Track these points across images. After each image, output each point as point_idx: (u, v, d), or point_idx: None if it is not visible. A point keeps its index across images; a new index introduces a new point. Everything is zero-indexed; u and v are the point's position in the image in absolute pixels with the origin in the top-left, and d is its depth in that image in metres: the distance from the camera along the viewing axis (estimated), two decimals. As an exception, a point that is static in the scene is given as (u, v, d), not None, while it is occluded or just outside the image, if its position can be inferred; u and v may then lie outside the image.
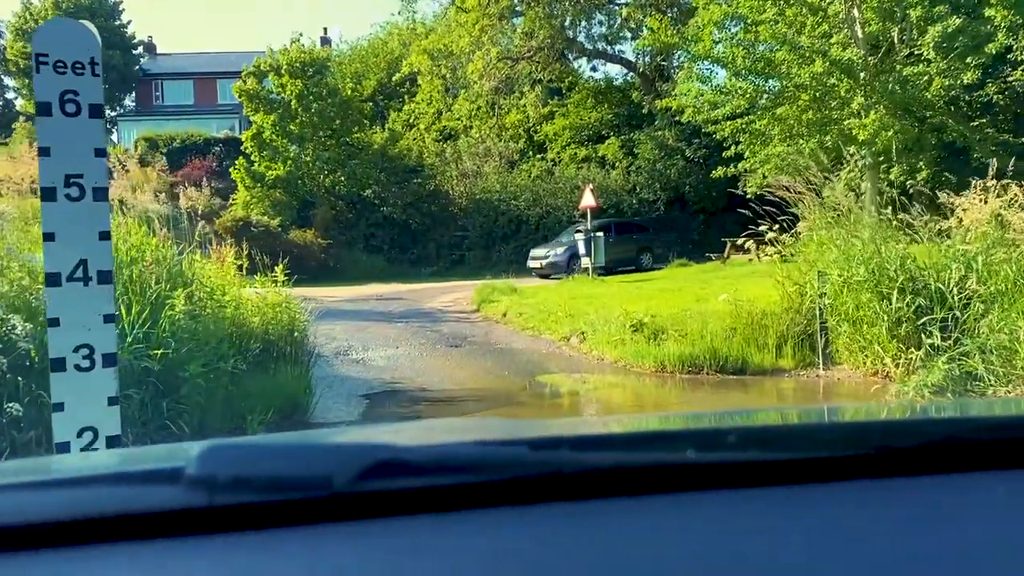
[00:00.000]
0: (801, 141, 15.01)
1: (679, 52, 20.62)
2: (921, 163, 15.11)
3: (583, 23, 28.63)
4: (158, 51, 42.76)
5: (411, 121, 32.49)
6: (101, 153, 3.21)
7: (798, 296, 8.23)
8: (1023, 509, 0.84)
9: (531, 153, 29.39)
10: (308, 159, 25.90)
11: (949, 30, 13.33)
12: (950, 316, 6.73)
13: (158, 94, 40.03)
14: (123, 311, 4.92)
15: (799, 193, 8.67)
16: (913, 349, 6.79)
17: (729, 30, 16.24)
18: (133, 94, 41.09)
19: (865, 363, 7.36)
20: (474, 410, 6.99)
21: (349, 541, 0.77)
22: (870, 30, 14.72)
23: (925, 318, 6.82)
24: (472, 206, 26.80)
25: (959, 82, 14.00)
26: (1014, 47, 14.22)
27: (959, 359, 6.16)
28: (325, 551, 0.75)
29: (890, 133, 13.70)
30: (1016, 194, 7.15)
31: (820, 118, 15.22)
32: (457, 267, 25.27)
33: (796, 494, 0.87)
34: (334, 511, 0.78)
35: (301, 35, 28.23)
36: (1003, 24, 13.16)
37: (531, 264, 21.39)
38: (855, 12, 14.70)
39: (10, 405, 4.17)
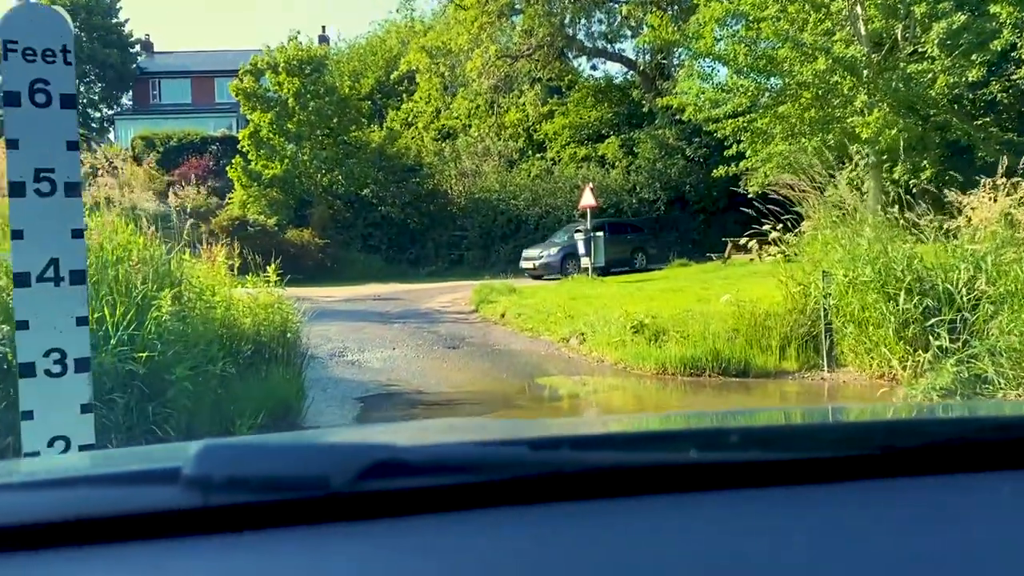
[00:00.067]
0: (803, 139, 14.86)
1: (680, 50, 20.45)
2: (925, 162, 14.93)
3: (583, 21, 28.45)
4: (155, 49, 42.73)
5: (409, 120, 32.27)
6: (73, 146, 3.04)
7: (802, 297, 8.09)
8: None
9: (530, 152, 29.17)
10: (305, 158, 25.69)
11: (954, 27, 13.15)
12: (959, 317, 6.61)
13: (155, 92, 39.93)
14: (107, 312, 4.77)
15: (803, 191, 8.52)
16: (921, 351, 6.67)
17: (731, 27, 16.05)
18: (130, 92, 41.02)
19: (871, 365, 7.22)
20: (471, 413, 6.86)
21: (347, 542, 0.76)
22: (873, 27, 14.55)
23: (933, 319, 6.68)
24: (471, 206, 26.61)
25: (963, 80, 13.87)
26: (1019, 44, 14.06)
27: (968, 361, 6.03)
28: (323, 552, 0.74)
29: (894, 131, 13.52)
30: (1026, 192, 7.01)
31: (823, 116, 15.06)
32: (456, 267, 25.12)
33: (798, 494, 0.86)
34: (332, 511, 0.78)
35: (299, 33, 27.92)
36: (1008, 21, 12.99)
37: (524, 265, 21.20)
38: (858, 9, 14.52)
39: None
